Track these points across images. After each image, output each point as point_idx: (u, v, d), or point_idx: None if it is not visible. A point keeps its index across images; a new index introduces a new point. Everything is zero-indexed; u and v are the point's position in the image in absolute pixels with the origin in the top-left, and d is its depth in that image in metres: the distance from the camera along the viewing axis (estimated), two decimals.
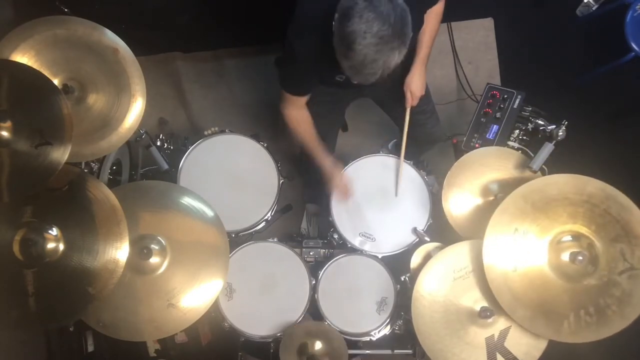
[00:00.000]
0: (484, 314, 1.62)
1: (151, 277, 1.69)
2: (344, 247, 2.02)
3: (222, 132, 2.07)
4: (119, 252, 1.55)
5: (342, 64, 1.49)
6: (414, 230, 1.94)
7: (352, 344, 1.92)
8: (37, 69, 1.57)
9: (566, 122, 1.76)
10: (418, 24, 1.73)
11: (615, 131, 2.61)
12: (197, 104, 2.80)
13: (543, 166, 1.75)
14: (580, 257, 1.54)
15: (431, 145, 2.37)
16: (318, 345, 1.81)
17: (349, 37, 1.38)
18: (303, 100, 1.84)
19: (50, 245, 1.53)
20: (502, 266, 1.61)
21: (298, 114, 1.87)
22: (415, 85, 1.89)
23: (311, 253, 2.11)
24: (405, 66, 1.91)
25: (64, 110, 1.50)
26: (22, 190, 1.50)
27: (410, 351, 1.96)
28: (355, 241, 1.96)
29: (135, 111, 1.72)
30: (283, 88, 1.80)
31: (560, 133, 1.74)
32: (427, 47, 1.89)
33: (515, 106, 1.93)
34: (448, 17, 2.70)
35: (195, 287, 1.70)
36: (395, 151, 2.05)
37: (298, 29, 1.61)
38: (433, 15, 1.83)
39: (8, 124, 1.46)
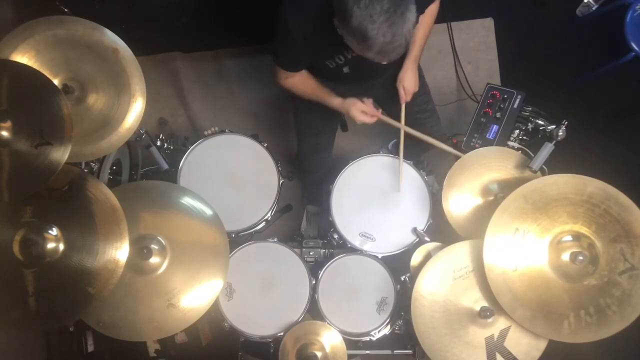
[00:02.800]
0: (484, 313, 1.62)
1: (151, 277, 1.69)
2: (344, 247, 2.01)
3: (222, 132, 2.06)
4: (119, 252, 1.55)
5: (368, 55, 1.48)
6: (414, 230, 1.94)
7: (352, 344, 1.92)
8: (37, 69, 1.57)
9: (566, 122, 1.76)
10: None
11: (616, 131, 2.61)
12: (197, 104, 2.80)
13: (543, 166, 1.75)
14: (581, 257, 1.54)
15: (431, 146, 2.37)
16: (318, 345, 1.81)
17: (360, 30, 1.37)
18: (297, 74, 1.84)
19: (50, 245, 1.53)
20: (502, 266, 1.61)
21: (295, 80, 1.86)
22: (407, 81, 1.89)
23: (311, 253, 2.11)
24: (401, 64, 1.91)
25: (64, 110, 1.50)
26: (22, 190, 1.50)
27: (410, 351, 1.96)
28: (355, 241, 1.96)
29: (135, 111, 1.72)
30: (275, 63, 1.79)
31: (560, 133, 1.74)
32: (420, 45, 1.89)
33: (515, 106, 1.93)
34: (448, 17, 2.72)
35: (195, 287, 1.70)
36: (395, 151, 2.04)
37: (292, 5, 1.60)
38: (428, 14, 1.83)
39: (8, 124, 1.46)
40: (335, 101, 1.90)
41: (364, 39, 1.39)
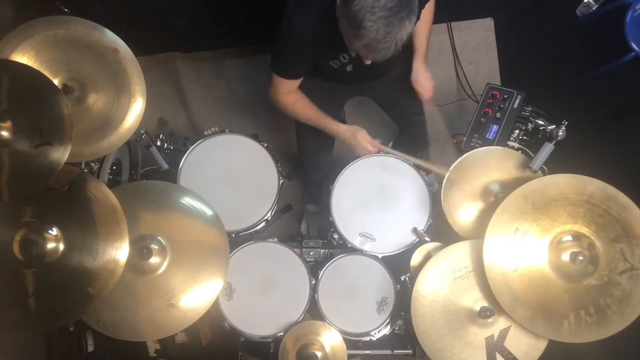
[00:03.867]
0: (484, 313, 1.62)
1: (151, 277, 1.69)
2: (344, 247, 2.01)
3: (222, 132, 2.06)
4: (119, 252, 1.55)
5: (355, 46, 1.48)
6: (414, 230, 1.94)
7: (352, 344, 1.92)
8: (37, 69, 1.57)
9: (566, 122, 1.76)
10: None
11: (616, 131, 2.61)
12: (197, 104, 2.80)
13: (543, 166, 1.75)
14: (581, 257, 1.54)
15: (427, 146, 2.38)
16: (318, 345, 1.81)
17: (357, 16, 1.37)
18: (294, 84, 1.82)
19: (50, 245, 1.53)
20: (502, 266, 1.61)
21: (290, 97, 1.85)
22: (423, 79, 1.91)
23: (311, 253, 2.11)
24: (405, 62, 1.91)
25: (64, 110, 1.50)
26: (22, 190, 1.50)
27: (410, 351, 1.96)
28: (355, 241, 1.96)
29: (135, 111, 1.72)
30: (274, 70, 1.77)
31: (560, 133, 1.74)
32: (425, 43, 1.91)
33: (515, 106, 1.93)
34: (448, 17, 2.72)
35: (195, 287, 1.70)
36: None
37: (297, 4, 1.59)
38: (427, 8, 1.84)
39: (8, 124, 1.46)
40: (340, 127, 1.90)
41: (357, 27, 1.39)
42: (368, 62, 1.56)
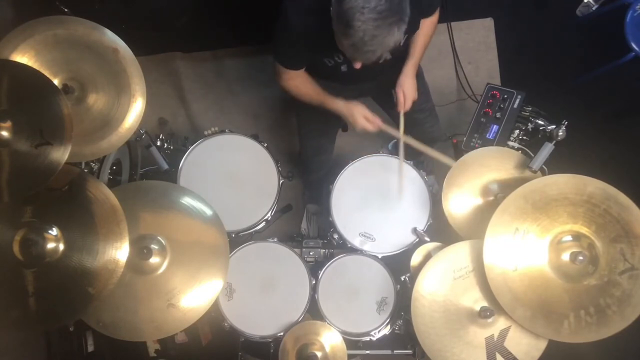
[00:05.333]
0: (484, 313, 1.62)
1: (151, 277, 1.69)
2: (344, 247, 2.01)
3: (222, 132, 2.06)
4: (119, 252, 1.55)
5: (343, 45, 1.49)
6: (414, 230, 1.94)
7: (352, 344, 1.92)
8: (37, 69, 1.57)
9: (566, 122, 1.76)
10: (412, 28, 1.73)
11: (615, 131, 2.61)
12: (197, 104, 2.80)
13: (543, 166, 1.75)
14: (581, 257, 1.54)
15: (430, 145, 2.37)
16: (318, 345, 1.81)
17: (347, 14, 1.38)
18: (296, 73, 1.83)
19: (50, 245, 1.53)
20: (502, 266, 1.61)
21: (295, 81, 1.85)
22: (407, 88, 1.87)
23: (311, 253, 2.11)
24: (399, 67, 1.91)
25: (64, 110, 1.50)
26: (22, 190, 1.50)
27: (410, 351, 1.96)
28: (355, 241, 1.96)
29: (135, 111, 1.72)
30: (277, 61, 1.78)
31: (560, 133, 1.74)
32: (420, 52, 1.89)
33: (515, 106, 1.93)
34: (448, 17, 2.72)
35: (195, 287, 1.70)
36: (395, 151, 2.04)
37: (294, 1, 1.60)
38: (428, 23, 1.84)
39: (8, 124, 1.46)
40: (338, 103, 1.88)
41: (346, 25, 1.40)
42: (357, 67, 1.56)
